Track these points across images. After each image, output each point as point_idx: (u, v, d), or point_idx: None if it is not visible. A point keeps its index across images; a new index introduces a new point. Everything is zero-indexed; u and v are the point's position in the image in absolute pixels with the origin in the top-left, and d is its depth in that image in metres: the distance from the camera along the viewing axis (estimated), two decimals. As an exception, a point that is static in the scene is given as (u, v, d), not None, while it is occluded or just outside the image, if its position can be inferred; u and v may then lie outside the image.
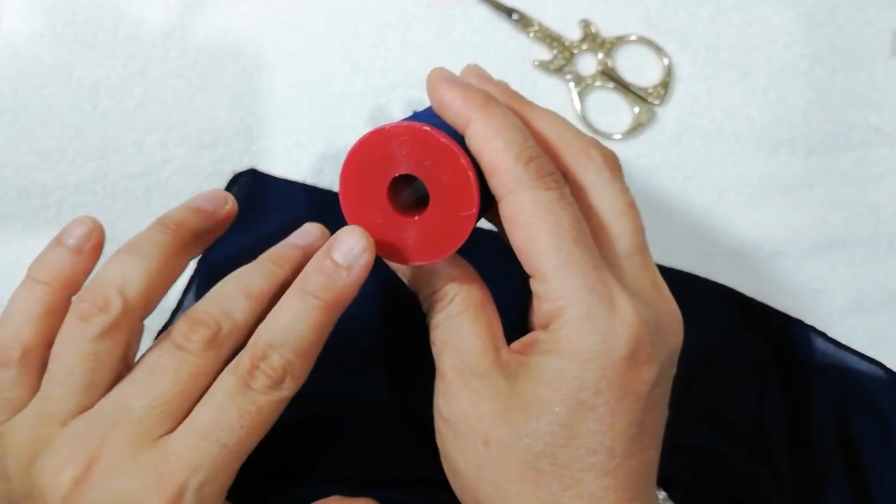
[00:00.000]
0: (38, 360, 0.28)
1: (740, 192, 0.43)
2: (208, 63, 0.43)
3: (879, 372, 0.41)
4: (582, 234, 0.26)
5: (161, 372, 0.26)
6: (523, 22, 0.44)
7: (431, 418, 0.39)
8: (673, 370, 0.28)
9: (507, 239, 0.28)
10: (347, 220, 0.28)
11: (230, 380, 0.26)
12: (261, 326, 0.27)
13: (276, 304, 0.28)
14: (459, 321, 0.29)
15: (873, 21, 0.44)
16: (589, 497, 0.26)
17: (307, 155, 0.43)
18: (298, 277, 0.27)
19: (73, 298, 0.27)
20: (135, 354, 0.29)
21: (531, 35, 0.44)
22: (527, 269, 0.27)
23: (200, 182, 0.42)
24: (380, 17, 0.44)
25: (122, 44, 0.43)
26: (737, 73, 0.44)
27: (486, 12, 0.44)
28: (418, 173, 0.27)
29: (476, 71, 0.32)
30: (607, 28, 0.44)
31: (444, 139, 0.26)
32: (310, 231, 0.31)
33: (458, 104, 0.27)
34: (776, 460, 0.40)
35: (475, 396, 0.28)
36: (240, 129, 0.43)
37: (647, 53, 0.44)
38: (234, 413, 0.26)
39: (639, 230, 0.29)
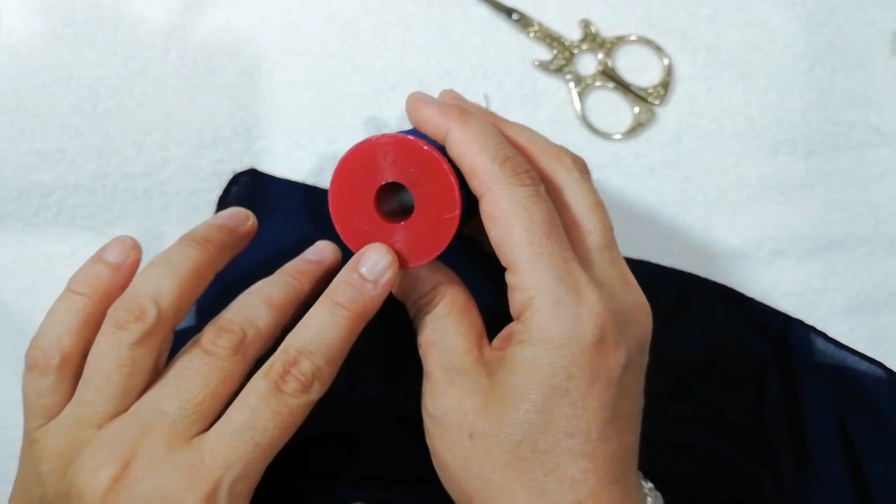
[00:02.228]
0: (75, 368, 0.29)
1: (740, 192, 0.43)
2: (208, 63, 0.43)
3: (879, 372, 0.41)
4: (553, 227, 0.28)
5: (192, 376, 0.28)
6: (523, 22, 0.44)
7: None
8: (644, 358, 0.29)
9: (488, 246, 0.29)
10: (337, 227, 0.30)
11: (262, 384, 0.28)
12: (291, 334, 0.29)
13: (292, 313, 0.31)
14: (444, 323, 0.30)
15: (873, 21, 0.44)
16: (570, 481, 0.27)
17: (307, 155, 0.43)
18: (328, 289, 0.30)
19: (110, 309, 0.29)
20: (165, 361, 0.30)
21: (531, 35, 0.44)
22: (503, 262, 0.29)
23: (200, 182, 0.42)
24: (380, 17, 0.44)
25: (122, 44, 0.43)
26: (737, 73, 0.44)
27: (486, 12, 0.44)
28: (403, 180, 0.29)
29: (452, 94, 0.34)
30: (607, 28, 0.44)
31: (426, 146, 0.28)
32: (322, 248, 0.34)
33: (436, 118, 0.30)
34: (776, 460, 0.40)
35: (459, 392, 0.29)
36: (240, 129, 0.43)
37: (647, 53, 0.44)
38: (268, 414, 0.27)
39: (607, 227, 0.30)
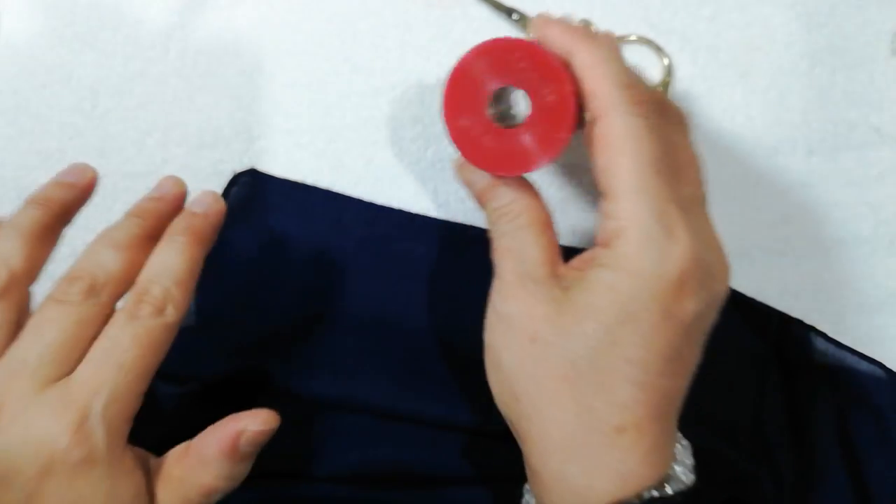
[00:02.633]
0: None
1: (740, 191, 0.43)
2: (208, 63, 0.43)
3: (879, 372, 0.41)
4: (663, 164, 0.28)
5: (48, 325, 0.29)
6: (523, 22, 0.44)
7: (429, 419, 0.40)
8: (714, 315, 0.30)
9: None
10: (446, 119, 0.31)
11: (120, 315, 0.30)
12: (142, 271, 0.31)
13: (146, 250, 0.32)
14: (525, 233, 0.31)
15: (873, 21, 0.44)
16: (619, 405, 0.28)
17: (307, 155, 0.43)
18: (166, 231, 0.32)
19: None
20: (26, 320, 0.31)
21: (531, 35, 0.44)
22: (602, 188, 0.29)
23: (200, 182, 0.42)
24: (380, 17, 0.44)
25: (122, 44, 0.43)
26: (737, 73, 0.44)
27: (486, 12, 0.44)
28: (527, 89, 0.30)
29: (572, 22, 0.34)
30: (607, 28, 0.44)
31: (556, 61, 0.30)
32: (164, 184, 0.34)
33: (564, 37, 0.30)
34: (776, 460, 0.40)
35: (531, 299, 0.29)
36: (240, 129, 0.43)
37: (647, 53, 0.44)
38: (126, 338, 0.29)
39: (703, 183, 0.31)
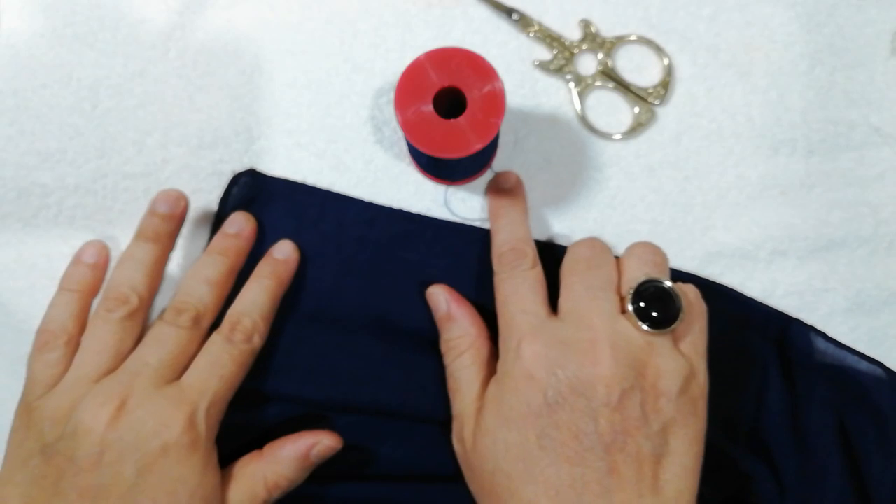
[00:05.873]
0: (75, 347, 0.37)
1: (740, 192, 0.43)
2: (208, 63, 0.43)
3: (879, 372, 0.41)
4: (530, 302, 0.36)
5: (165, 339, 0.36)
6: (523, 22, 0.44)
7: (430, 418, 0.40)
8: (582, 400, 0.32)
9: None
10: (397, 111, 0.35)
11: (217, 338, 0.37)
12: (233, 304, 0.38)
13: (230, 284, 0.39)
14: (467, 372, 0.37)
15: (873, 21, 0.44)
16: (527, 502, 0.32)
17: (307, 155, 0.43)
18: (254, 271, 0.39)
19: (100, 299, 0.38)
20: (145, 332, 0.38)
21: (531, 35, 0.44)
22: None
23: (200, 182, 0.42)
24: (380, 17, 0.44)
25: (122, 44, 0.43)
26: (737, 73, 0.44)
27: (486, 12, 0.44)
28: (464, 87, 0.35)
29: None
30: (607, 28, 0.44)
31: (488, 64, 0.35)
32: (237, 220, 0.40)
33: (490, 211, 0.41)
34: (776, 460, 0.40)
35: (463, 433, 0.36)
36: (240, 129, 0.43)
37: (647, 53, 0.44)
38: (225, 355, 0.36)
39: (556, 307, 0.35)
